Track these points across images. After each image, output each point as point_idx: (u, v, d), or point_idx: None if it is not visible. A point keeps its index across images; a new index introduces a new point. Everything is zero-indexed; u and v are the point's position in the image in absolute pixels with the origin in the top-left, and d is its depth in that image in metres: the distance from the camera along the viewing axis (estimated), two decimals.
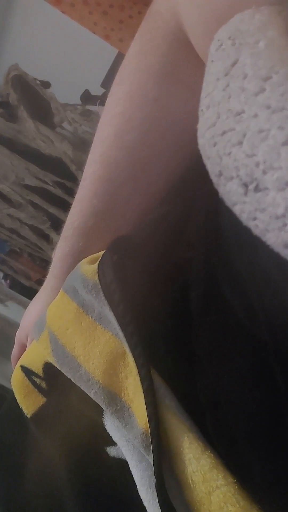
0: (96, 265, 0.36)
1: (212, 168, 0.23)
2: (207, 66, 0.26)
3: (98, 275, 0.35)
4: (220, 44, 0.25)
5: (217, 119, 0.23)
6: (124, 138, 0.40)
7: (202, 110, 0.25)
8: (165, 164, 0.41)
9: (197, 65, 0.36)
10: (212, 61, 0.25)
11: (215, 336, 0.29)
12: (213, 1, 0.30)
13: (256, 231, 0.20)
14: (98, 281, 0.35)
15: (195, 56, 0.35)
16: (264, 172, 0.19)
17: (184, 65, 0.37)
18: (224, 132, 0.22)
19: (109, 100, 0.42)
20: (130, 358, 0.33)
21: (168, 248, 0.35)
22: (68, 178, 1.50)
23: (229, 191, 0.22)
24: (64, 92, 1.61)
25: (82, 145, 1.55)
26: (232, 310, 0.28)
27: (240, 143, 0.21)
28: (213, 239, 0.31)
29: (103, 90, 1.77)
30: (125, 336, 0.32)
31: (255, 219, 0.20)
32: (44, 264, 1.67)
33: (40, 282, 0.50)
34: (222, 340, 0.29)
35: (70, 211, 0.45)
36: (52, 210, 1.52)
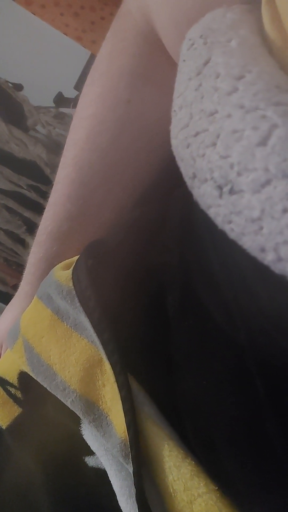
0: (70, 271, 0.35)
1: (185, 170, 0.23)
2: (179, 65, 0.25)
3: (73, 281, 0.34)
4: (191, 43, 0.24)
5: (190, 120, 0.22)
6: (96, 140, 0.39)
7: (174, 110, 0.25)
8: (139, 166, 0.40)
9: (169, 65, 0.35)
10: (184, 60, 0.24)
11: (192, 341, 0.29)
12: (184, 1, 0.29)
13: (232, 235, 0.20)
14: (72, 287, 0.34)
15: (167, 56, 0.35)
16: (239, 174, 0.19)
17: (156, 66, 0.37)
18: (197, 133, 0.21)
19: (81, 102, 0.41)
20: (107, 366, 0.32)
21: (143, 251, 0.34)
22: (42, 182, 1.49)
23: (204, 194, 0.21)
24: (37, 94, 1.60)
25: (56, 148, 1.53)
26: (209, 314, 0.28)
27: (214, 144, 0.20)
28: (188, 242, 0.30)
29: (76, 93, 1.75)
30: (101, 343, 0.32)
31: (230, 222, 0.20)
32: (20, 269, 1.64)
33: (16, 288, 0.49)
34: (200, 345, 0.28)
35: (43, 215, 0.44)
36: (27, 214, 1.50)
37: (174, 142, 0.24)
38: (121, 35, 0.38)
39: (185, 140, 0.22)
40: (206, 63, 0.22)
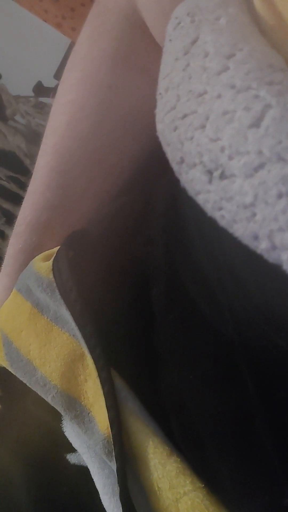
0: (50, 262, 0.34)
1: (172, 155, 0.22)
2: (164, 46, 0.24)
3: (53, 273, 0.33)
4: (178, 22, 0.23)
5: (177, 102, 0.21)
6: (77, 127, 0.38)
7: (160, 93, 0.23)
8: (122, 153, 0.39)
9: (153, 48, 0.34)
10: (170, 40, 0.23)
11: (178, 334, 0.28)
12: None
13: (222, 222, 0.19)
14: (53, 279, 0.33)
15: (150, 38, 0.34)
16: (230, 158, 0.18)
17: (139, 49, 0.36)
18: (185, 115, 0.20)
19: (60, 87, 0.40)
20: (89, 360, 0.31)
21: (126, 242, 0.33)
22: (22, 173, 1.47)
23: (192, 179, 0.20)
24: (16, 83, 1.57)
25: (36, 138, 1.51)
26: (196, 307, 0.27)
27: (203, 126, 0.19)
28: (173, 231, 0.29)
29: (56, 82, 1.73)
30: (83, 336, 0.31)
31: (220, 209, 0.19)
32: (0, 261, 1.62)
33: None
34: (186, 339, 0.28)
35: (22, 205, 0.43)
36: (7, 205, 1.48)
37: (160, 126, 0.23)
38: (102, 17, 0.37)
39: (172, 123, 0.21)
40: (194, 42, 0.21)
